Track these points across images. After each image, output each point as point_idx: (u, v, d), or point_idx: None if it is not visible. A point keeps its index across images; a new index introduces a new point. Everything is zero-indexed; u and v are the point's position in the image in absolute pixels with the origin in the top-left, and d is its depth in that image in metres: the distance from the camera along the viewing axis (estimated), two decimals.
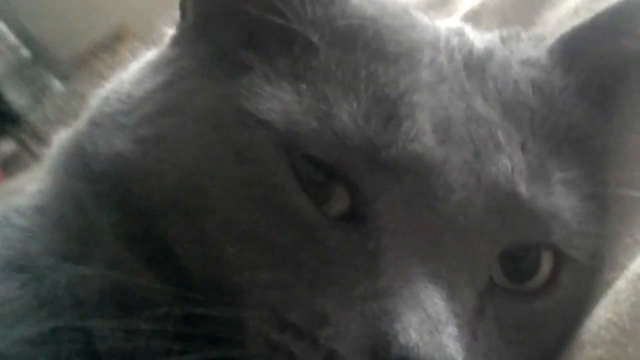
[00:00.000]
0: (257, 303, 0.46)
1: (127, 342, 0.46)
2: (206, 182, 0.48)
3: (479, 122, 0.49)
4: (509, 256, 0.49)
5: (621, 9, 0.55)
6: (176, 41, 0.57)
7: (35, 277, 0.49)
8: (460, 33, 0.56)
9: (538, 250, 0.49)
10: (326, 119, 0.47)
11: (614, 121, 0.56)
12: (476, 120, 0.49)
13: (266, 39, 0.51)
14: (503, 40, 0.57)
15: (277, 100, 0.48)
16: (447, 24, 0.58)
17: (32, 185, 0.57)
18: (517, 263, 0.49)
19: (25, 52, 1.74)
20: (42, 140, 0.60)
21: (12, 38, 1.77)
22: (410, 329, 0.42)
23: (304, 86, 0.48)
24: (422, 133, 0.47)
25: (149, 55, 0.59)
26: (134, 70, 0.58)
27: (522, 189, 0.48)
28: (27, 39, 1.74)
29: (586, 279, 0.51)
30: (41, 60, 1.69)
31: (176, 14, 0.59)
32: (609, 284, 0.48)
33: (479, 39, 0.56)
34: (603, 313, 0.47)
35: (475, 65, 0.52)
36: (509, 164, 0.48)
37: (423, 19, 0.56)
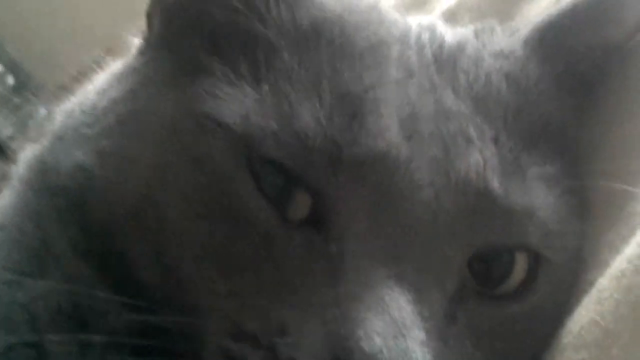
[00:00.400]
0: (215, 313, 0.44)
1: (81, 357, 0.44)
2: (163, 192, 0.46)
3: (449, 117, 0.47)
4: (481, 259, 0.46)
5: None
6: (142, 51, 0.55)
7: None
8: (431, 28, 0.54)
9: (511, 252, 0.47)
10: (287, 119, 0.45)
11: (594, 112, 0.53)
12: (445, 115, 0.47)
13: (229, 43, 0.50)
14: (477, 34, 0.55)
15: (236, 103, 0.46)
16: (418, 20, 0.56)
17: None
18: (489, 266, 0.47)
19: (10, 80, 1.73)
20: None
21: None
22: (374, 334, 0.40)
23: (266, 88, 0.47)
24: (386, 129, 0.45)
25: (115, 65, 0.58)
26: (99, 81, 0.57)
27: (495, 185, 0.46)
28: (11, 66, 1.73)
29: (567, 279, 0.48)
30: (26, 88, 1.68)
31: (143, 23, 0.58)
32: (592, 284, 0.46)
33: (451, 33, 0.55)
34: (585, 313, 0.44)
35: (446, 60, 0.51)
36: (481, 159, 0.46)
37: (393, 15, 0.54)
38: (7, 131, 1.62)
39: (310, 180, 0.45)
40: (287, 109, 0.45)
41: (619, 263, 0.45)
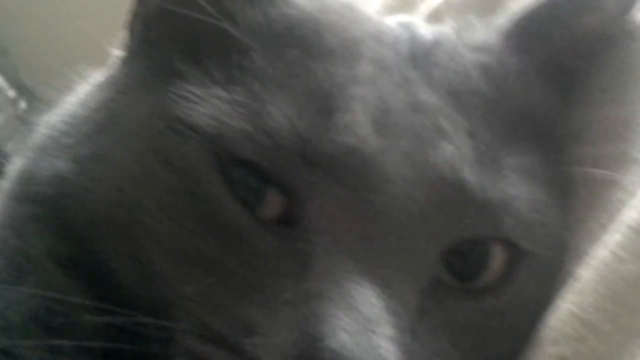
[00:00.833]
0: (185, 314, 0.44)
1: None
2: (136, 194, 0.46)
3: (422, 111, 0.46)
4: (456, 252, 0.45)
5: None
6: (123, 61, 0.56)
7: None
8: (408, 26, 0.54)
9: (486, 244, 0.46)
10: (257, 119, 0.45)
11: (577, 99, 0.52)
12: (418, 109, 0.46)
13: (202, 47, 0.49)
14: (456, 30, 0.54)
15: (207, 105, 0.46)
16: (396, 19, 0.56)
17: None
18: (464, 259, 0.45)
19: (22, 105, 1.76)
20: None
21: (10, 92, 1.80)
22: (340, 330, 0.39)
23: (238, 89, 0.46)
24: (356, 125, 0.44)
25: (97, 76, 0.58)
26: (80, 92, 0.57)
27: (469, 177, 0.45)
28: (23, 92, 1.76)
29: (549, 271, 0.47)
30: (37, 111, 1.70)
31: (126, 35, 0.58)
32: (572, 275, 0.44)
33: (429, 30, 0.54)
34: (564, 306, 0.43)
35: (422, 56, 0.50)
36: (454, 151, 0.45)
37: (368, 14, 0.54)
38: None
39: (281, 178, 0.44)
40: (258, 109, 0.45)
41: (599, 252, 0.43)
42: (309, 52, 0.48)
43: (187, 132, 0.46)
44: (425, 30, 0.54)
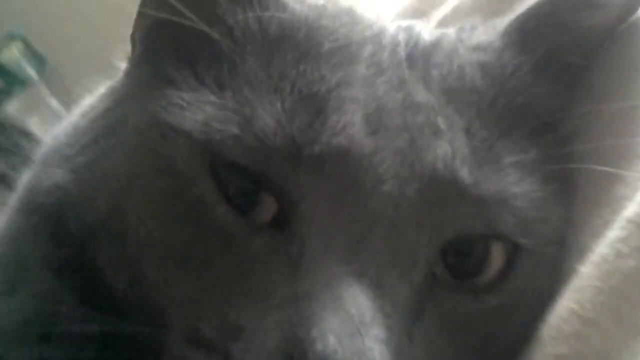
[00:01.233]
0: (175, 320, 0.44)
1: None
2: (129, 201, 0.47)
3: (417, 110, 0.46)
4: (454, 250, 0.44)
5: None
6: (124, 73, 0.56)
7: None
8: (408, 28, 0.53)
9: (486, 241, 0.45)
10: (247, 122, 0.45)
11: (579, 96, 0.51)
12: (413, 109, 0.46)
13: (195, 53, 0.50)
14: (457, 32, 0.54)
15: (198, 111, 0.46)
16: (397, 23, 0.55)
17: None
18: (463, 257, 0.45)
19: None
20: None
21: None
22: (329, 333, 0.39)
23: (229, 94, 0.46)
24: (350, 125, 0.44)
25: (101, 88, 0.59)
26: (84, 104, 0.58)
27: (464, 174, 0.44)
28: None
29: (548, 268, 0.45)
30: None
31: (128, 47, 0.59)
32: (574, 273, 0.43)
33: (429, 32, 0.53)
34: (564, 303, 0.42)
35: (420, 57, 0.49)
36: (449, 149, 0.44)
37: (368, 18, 0.53)
38: None
39: (272, 181, 0.44)
40: (249, 113, 0.45)
41: (600, 248, 0.42)
42: (302, 56, 0.47)
43: (178, 138, 0.46)
44: (425, 33, 0.53)
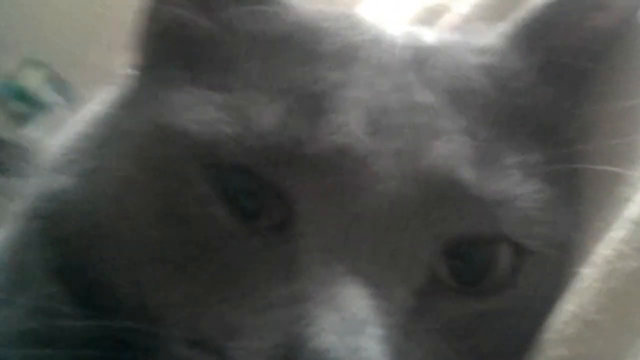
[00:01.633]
0: (172, 320, 0.43)
1: None
2: (129, 204, 0.47)
3: (417, 111, 0.45)
4: (459, 254, 0.43)
5: None
6: (128, 79, 0.57)
7: None
8: (411, 32, 0.53)
9: (492, 246, 0.44)
10: (246, 122, 0.44)
11: (584, 97, 0.50)
12: (414, 110, 0.45)
13: (196, 54, 0.50)
14: (460, 35, 0.54)
15: (198, 111, 0.46)
16: (402, 28, 0.55)
17: None
18: (468, 261, 0.44)
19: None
20: None
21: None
22: (324, 332, 0.38)
23: (229, 96, 0.46)
24: (349, 125, 0.44)
25: (105, 95, 0.59)
26: (88, 110, 0.58)
27: (465, 174, 0.43)
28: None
29: (553, 271, 0.44)
30: None
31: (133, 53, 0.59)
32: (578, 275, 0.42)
33: (433, 36, 0.53)
34: (566, 306, 0.41)
35: (422, 59, 0.49)
36: (450, 150, 0.44)
37: (371, 22, 0.54)
38: None
39: (270, 181, 0.44)
40: (249, 112, 0.45)
41: (602, 249, 0.41)
42: (303, 56, 0.47)
43: (177, 139, 0.46)
44: (429, 37, 0.53)
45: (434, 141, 0.44)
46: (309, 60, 0.47)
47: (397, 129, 0.44)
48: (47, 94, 2.07)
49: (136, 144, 0.48)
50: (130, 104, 0.52)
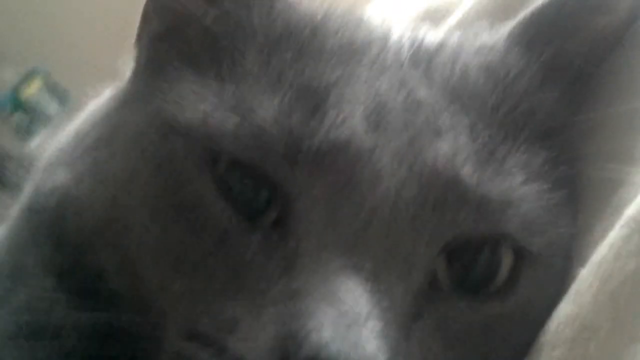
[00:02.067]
0: (172, 314, 0.43)
1: None
2: (127, 198, 0.47)
3: (418, 109, 0.45)
4: (459, 255, 0.43)
5: None
6: (128, 78, 0.57)
7: None
8: (413, 31, 0.53)
9: (494, 249, 0.44)
10: (247, 116, 0.44)
11: (585, 99, 0.50)
12: (415, 108, 0.45)
13: (197, 51, 0.50)
14: (462, 35, 0.53)
15: (198, 105, 0.46)
16: (403, 26, 0.55)
17: None
18: (470, 265, 0.43)
19: None
20: None
21: None
22: (324, 325, 0.38)
23: (229, 90, 0.46)
24: (349, 120, 0.44)
25: (104, 93, 0.59)
26: (89, 109, 0.58)
27: (466, 174, 0.43)
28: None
29: (556, 278, 0.44)
30: None
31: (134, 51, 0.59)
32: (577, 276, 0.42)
33: (434, 34, 0.53)
34: (564, 308, 0.40)
35: (423, 58, 0.49)
36: (451, 148, 0.44)
37: (373, 20, 0.54)
38: None
39: (270, 177, 0.44)
40: (248, 107, 0.45)
41: (600, 249, 0.41)
42: (305, 53, 0.47)
43: (178, 134, 0.46)
44: (430, 35, 0.53)
45: (435, 140, 0.44)
46: (310, 57, 0.47)
47: (397, 127, 0.44)
48: (48, 105, 2.07)
49: (137, 140, 0.48)
50: (128, 103, 0.52)
